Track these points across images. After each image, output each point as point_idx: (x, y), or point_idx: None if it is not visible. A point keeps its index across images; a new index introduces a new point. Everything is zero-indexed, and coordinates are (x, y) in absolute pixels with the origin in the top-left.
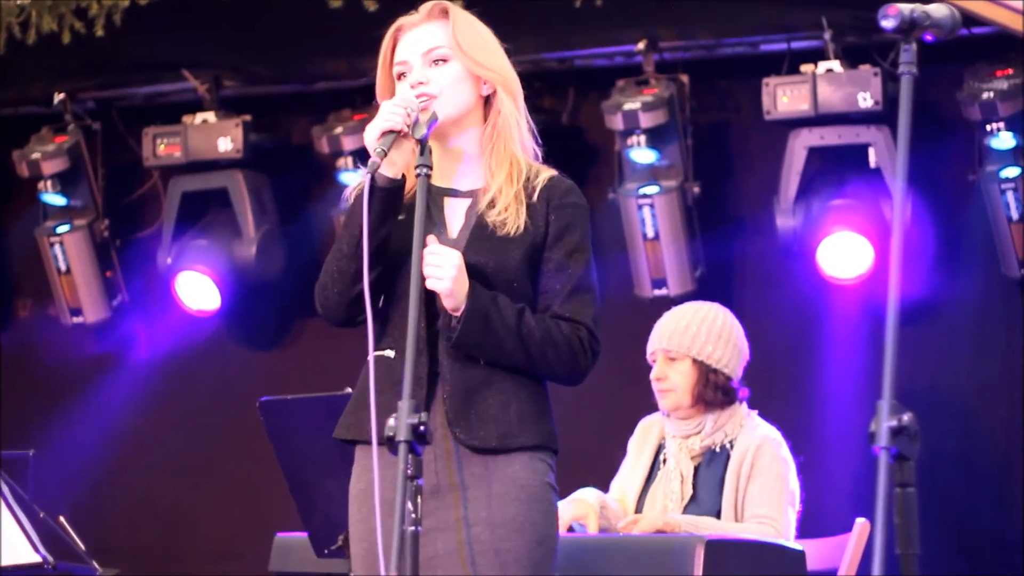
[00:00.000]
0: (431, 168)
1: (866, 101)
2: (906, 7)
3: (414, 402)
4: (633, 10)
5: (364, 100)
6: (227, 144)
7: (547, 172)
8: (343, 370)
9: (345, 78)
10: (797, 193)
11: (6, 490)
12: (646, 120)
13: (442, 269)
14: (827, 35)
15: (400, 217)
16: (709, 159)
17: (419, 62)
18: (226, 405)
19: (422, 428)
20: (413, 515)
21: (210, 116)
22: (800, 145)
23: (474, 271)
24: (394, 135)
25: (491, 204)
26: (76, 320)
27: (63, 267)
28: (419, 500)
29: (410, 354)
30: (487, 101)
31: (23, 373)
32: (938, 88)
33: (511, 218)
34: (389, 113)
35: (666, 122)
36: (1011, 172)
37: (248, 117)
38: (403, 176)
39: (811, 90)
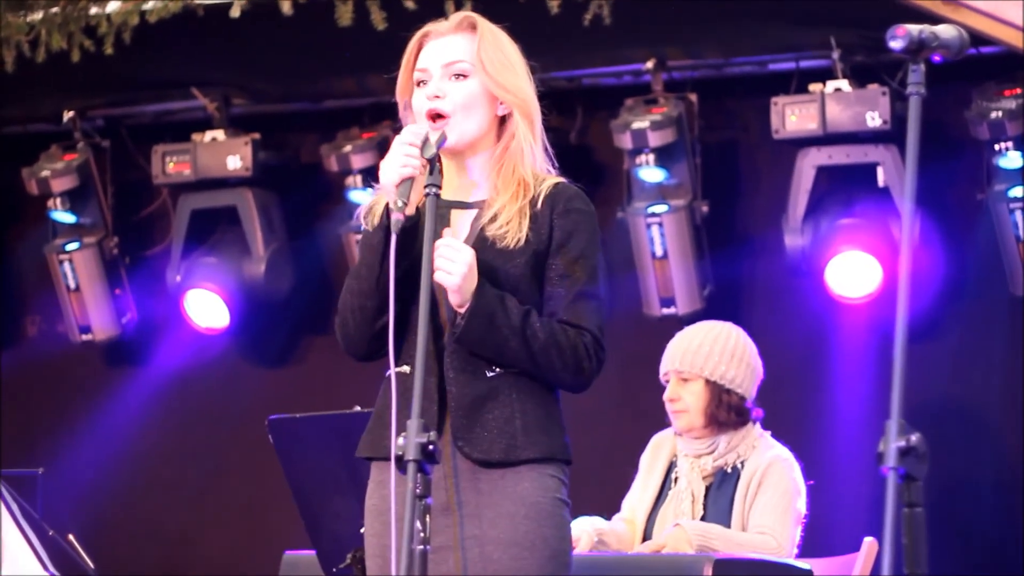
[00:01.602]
0: (440, 188)
1: (874, 120)
2: (914, 28)
3: (423, 421)
4: (641, 29)
5: (373, 118)
6: (236, 162)
7: (552, 179)
8: (352, 388)
9: (354, 96)
10: (805, 212)
11: (15, 508)
12: (654, 139)
13: (453, 264)
14: (835, 54)
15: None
16: (717, 178)
17: (439, 73)
18: (235, 423)
19: (431, 447)
20: (422, 534)
21: (219, 134)
22: (808, 164)
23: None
24: (412, 180)
25: (493, 218)
26: (85, 337)
27: (72, 284)
28: (427, 519)
29: (419, 372)
30: (503, 120)
31: (32, 390)
32: (946, 107)
33: (512, 231)
34: (405, 157)
35: (674, 141)
36: (1019, 191)
37: (257, 135)
38: (416, 209)
39: (819, 109)
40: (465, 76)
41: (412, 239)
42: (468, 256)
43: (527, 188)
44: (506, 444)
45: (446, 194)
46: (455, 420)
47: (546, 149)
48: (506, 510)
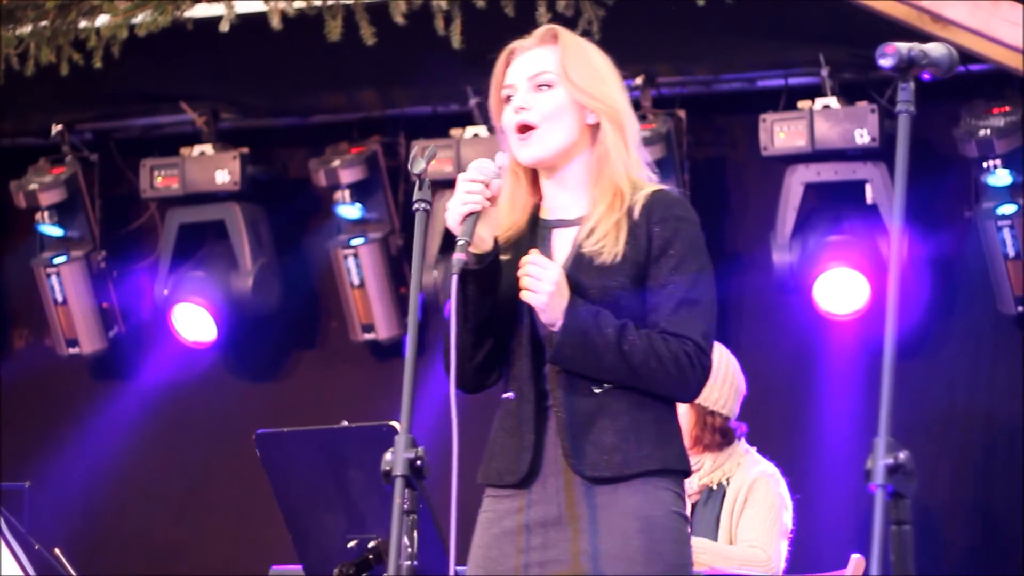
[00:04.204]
0: (428, 204)
1: (863, 138)
2: (904, 46)
3: (411, 436)
4: (630, 45)
5: (362, 133)
6: (224, 176)
7: (650, 187)
8: (339, 403)
9: (342, 111)
10: (794, 229)
11: (2, 522)
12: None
13: (540, 283)
14: (824, 72)
15: (507, 257)
16: (706, 194)
17: (524, 86)
18: (222, 437)
19: (419, 463)
20: (409, 549)
21: (208, 148)
22: (797, 181)
23: (577, 294)
24: (476, 216)
25: (590, 233)
26: (72, 351)
27: (60, 298)
28: (415, 535)
29: (408, 380)
30: (597, 128)
31: (19, 404)
32: (935, 125)
33: (608, 246)
34: (467, 194)
35: (663, 157)
36: (1008, 209)
37: (246, 149)
38: (495, 241)
39: (808, 126)
40: (550, 87)
41: (493, 273)
42: (554, 274)
43: (623, 197)
44: (619, 460)
45: (546, 214)
46: (566, 439)
47: (644, 156)
48: (618, 524)
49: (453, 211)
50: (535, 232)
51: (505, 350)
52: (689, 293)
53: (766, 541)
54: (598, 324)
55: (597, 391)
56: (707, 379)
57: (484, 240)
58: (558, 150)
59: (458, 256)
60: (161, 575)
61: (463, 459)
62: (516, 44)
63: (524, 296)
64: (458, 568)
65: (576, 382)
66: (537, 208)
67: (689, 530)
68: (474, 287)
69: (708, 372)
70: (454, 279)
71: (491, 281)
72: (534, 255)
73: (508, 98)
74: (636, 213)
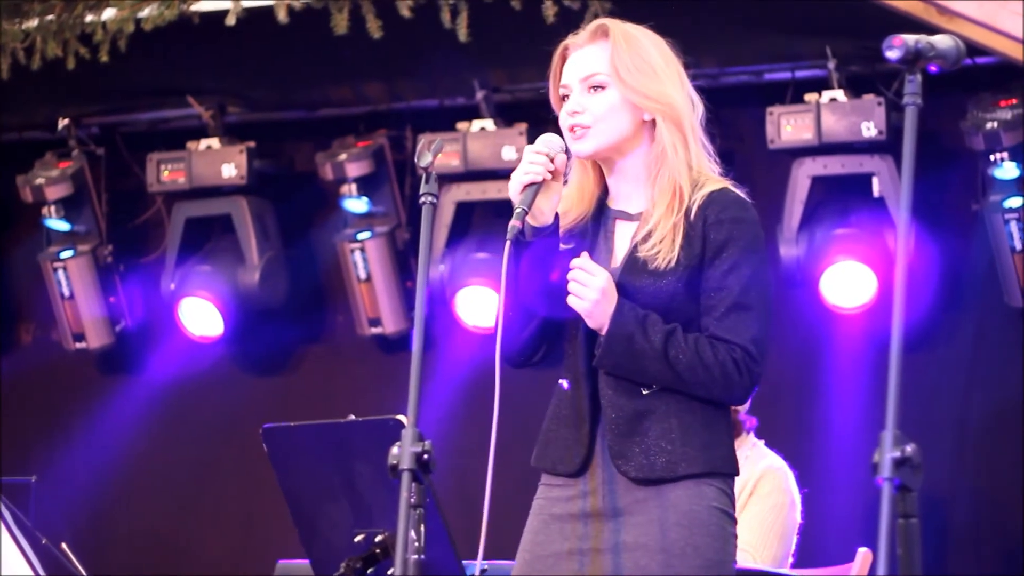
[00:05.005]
0: (435, 198)
1: (870, 130)
2: (911, 38)
3: (418, 430)
4: None
5: (368, 127)
6: (231, 170)
7: (710, 186)
8: (346, 397)
9: (349, 105)
10: (800, 222)
11: (8, 516)
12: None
13: (585, 289)
14: (831, 64)
15: (570, 246)
16: None
17: (578, 88)
18: (229, 431)
19: (425, 457)
20: (416, 543)
21: (214, 142)
22: (804, 174)
23: (628, 296)
24: (536, 187)
25: (647, 236)
26: (79, 345)
27: (66, 292)
28: (422, 529)
29: (415, 374)
30: (654, 123)
31: (26, 398)
32: (941, 118)
33: (664, 252)
34: (529, 164)
35: None
36: (1014, 202)
37: (252, 143)
38: (555, 215)
39: (815, 119)
40: (602, 88)
41: (550, 246)
42: (600, 281)
43: (682, 197)
44: (664, 461)
45: (613, 202)
46: (612, 438)
47: (706, 148)
48: (657, 517)
49: (514, 180)
50: (600, 220)
51: (557, 332)
52: (741, 298)
53: (760, 546)
54: (645, 330)
55: (645, 392)
56: (755, 385)
57: (543, 213)
58: (611, 144)
59: (513, 223)
60: (168, 569)
61: (482, 435)
62: (569, 41)
63: (570, 301)
64: (483, 562)
65: (624, 383)
66: (606, 195)
67: (734, 529)
68: (527, 260)
69: (757, 378)
70: (507, 244)
71: (543, 257)
72: (583, 260)
73: (564, 97)
74: (692, 214)
